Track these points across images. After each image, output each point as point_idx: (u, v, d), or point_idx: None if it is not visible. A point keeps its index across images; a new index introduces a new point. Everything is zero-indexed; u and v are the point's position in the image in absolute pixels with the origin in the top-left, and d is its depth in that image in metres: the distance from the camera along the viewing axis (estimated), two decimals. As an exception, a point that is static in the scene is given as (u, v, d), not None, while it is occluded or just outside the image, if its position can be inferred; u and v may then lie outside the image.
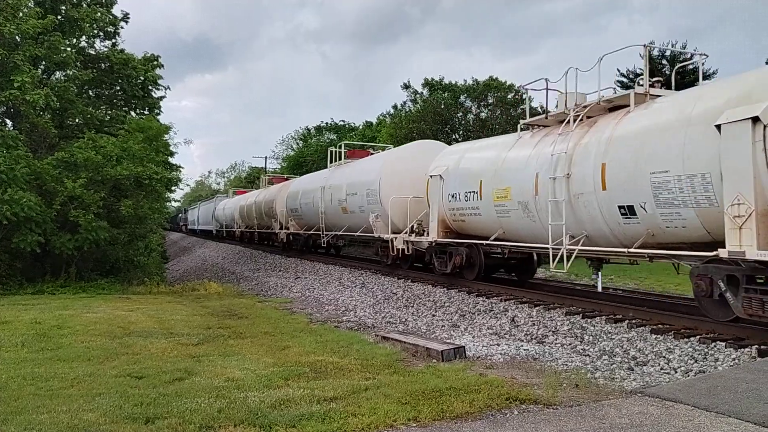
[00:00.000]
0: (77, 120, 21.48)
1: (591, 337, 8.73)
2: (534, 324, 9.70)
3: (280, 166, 66.35)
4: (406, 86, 38.18)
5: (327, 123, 57.60)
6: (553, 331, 9.18)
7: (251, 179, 75.36)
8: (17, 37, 17.34)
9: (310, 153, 52.51)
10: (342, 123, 55.78)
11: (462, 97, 37.85)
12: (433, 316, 11.77)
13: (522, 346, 8.48)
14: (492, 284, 13.51)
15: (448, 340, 9.12)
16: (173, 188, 21.71)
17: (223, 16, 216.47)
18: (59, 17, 20.90)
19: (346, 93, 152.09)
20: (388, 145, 27.67)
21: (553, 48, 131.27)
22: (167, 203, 25.26)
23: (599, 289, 15.34)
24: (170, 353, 8.35)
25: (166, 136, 22.10)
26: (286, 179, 35.35)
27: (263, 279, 22.19)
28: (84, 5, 22.06)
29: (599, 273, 15.95)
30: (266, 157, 62.45)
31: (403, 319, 11.79)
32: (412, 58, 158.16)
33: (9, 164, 15.50)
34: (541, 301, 11.06)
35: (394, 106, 41.60)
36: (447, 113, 36.22)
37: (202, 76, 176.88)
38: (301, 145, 62.77)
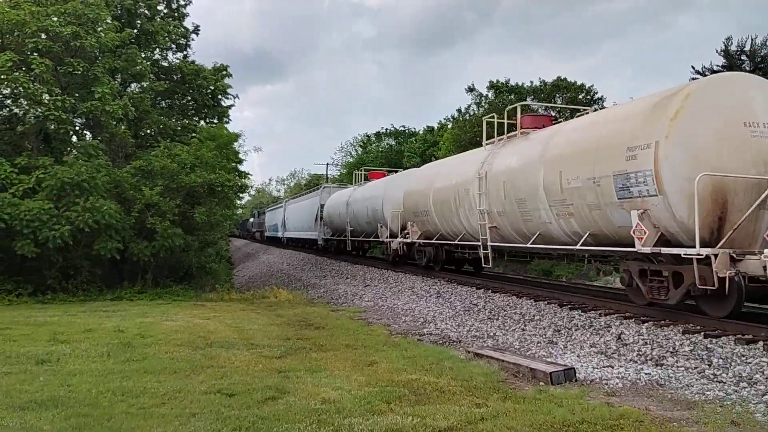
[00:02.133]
0: (151, 130, 21.89)
1: (721, 361, 7.80)
2: (646, 343, 8.87)
3: (339, 173, 66.67)
4: (471, 89, 37.45)
5: (387, 129, 57.39)
6: (671, 352, 8.34)
7: (310, 186, 76.17)
8: (97, 51, 17.69)
9: (371, 159, 52.39)
10: (402, 128, 55.45)
11: (529, 99, 36.86)
12: (523, 330, 11.06)
13: (641, 369, 7.70)
14: (588, 296, 12.73)
15: (551, 360, 8.44)
16: (242, 195, 21.74)
17: (282, 28, 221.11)
18: (135, 30, 21.40)
19: (400, 100, 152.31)
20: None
21: (614, 49, 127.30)
22: (238, 210, 25.38)
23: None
24: (255, 367, 8.03)
25: (235, 143, 22.26)
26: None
27: (331, 286, 21.92)
28: (158, 19, 22.48)
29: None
30: (327, 164, 62.44)
31: (491, 333, 11.14)
32: (468, 63, 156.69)
33: (91, 173, 15.77)
34: (648, 316, 10.18)
35: (459, 110, 40.91)
36: (514, 115, 35.32)
37: (263, 87, 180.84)
38: (360, 151, 62.87)
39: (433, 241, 18.62)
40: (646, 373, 7.50)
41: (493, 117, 15.67)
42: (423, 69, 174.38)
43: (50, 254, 15.90)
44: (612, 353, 8.92)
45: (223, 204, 18.98)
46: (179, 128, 22.94)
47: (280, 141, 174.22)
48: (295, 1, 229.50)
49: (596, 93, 34.78)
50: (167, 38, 22.95)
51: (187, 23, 25.13)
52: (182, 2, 24.07)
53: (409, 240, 20.08)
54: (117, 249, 16.18)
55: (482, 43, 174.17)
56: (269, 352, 9.20)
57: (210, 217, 17.81)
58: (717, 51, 30.01)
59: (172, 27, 22.18)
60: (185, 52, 25.53)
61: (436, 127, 47.38)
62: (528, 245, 13.17)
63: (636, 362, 8.29)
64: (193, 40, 25.62)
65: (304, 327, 12.10)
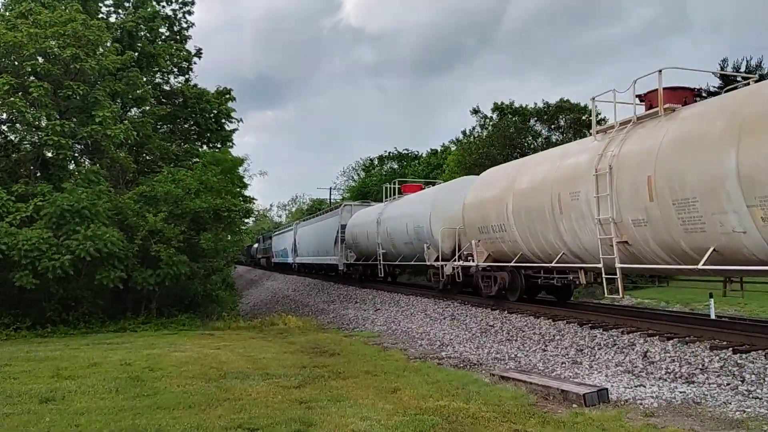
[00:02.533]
0: (152, 155, 21.56)
1: (753, 377, 7.42)
2: (673, 360, 8.41)
3: (342, 197, 66.37)
4: (476, 111, 37.30)
5: (390, 152, 57.24)
6: (700, 369, 7.89)
7: (312, 211, 75.77)
8: (97, 73, 17.41)
9: (374, 183, 52.13)
10: (405, 152, 55.30)
11: (532, 121, 36.72)
12: (544, 351, 10.58)
13: (675, 387, 7.24)
14: (608, 314, 12.27)
15: (579, 380, 7.96)
16: (246, 220, 21.32)
17: (282, 54, 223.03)
18: (136, 53, 21.18)
19: (401, 124, 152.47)
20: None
21: (610, 73, 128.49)
22: (244, 235, 24.97)
23: (712, 316, 13.85)
24: (274, 398, 7.54)
25: (240, 168, 21.94)
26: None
27: (341, 311, 21.39)
28: (159, 41, 22.30)
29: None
30: (330, 189, 62.15)
31: (512, 355, 10.65)
32: (468, 86, 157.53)
33: (91, 200, 15.35)
34: (672, 333, 9.72)
35: (463, 132, 40.74)
36: (517, 137, 35.10)
37: (263, 113, 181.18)
38: (363, 175, 62.66)
39: (510, 264, 14.52)
40: (680, 392, 7.08)
41: (613, 92, 11.50)
42: (423, 93, 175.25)
43: (50, 285, 15.34)
44: (639, 372, 8.48)
45: (230, 229, 18.52)
46: (181, 153, 22.64)
47: (280, 166, 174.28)
48: (295, 28, 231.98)
49: (600, 113, 34.48)
50: (169, 61, 22.76)
51: (189, 46, 25.06)
52: (185, 25, 23.91)
53: (473, 263, 16.07)
54: (120, 278, 15.68)
55: (481, 67, 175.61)
56: (286, 381, 8.72)
57: (217, 243, 17.34)
58: (713, 73, 30.23)
59: (174, 50, 21.96)
60: (187, 76, 25.38)
61: (439, 150, 47.19)
62: (698, 266, 8.87)
63: (666, 380, 7.86)
64: (195, 63, 25.47)
65: (319, 354, 11.61)
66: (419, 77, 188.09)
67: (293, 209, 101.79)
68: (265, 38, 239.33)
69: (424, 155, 52.68)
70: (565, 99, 35.99)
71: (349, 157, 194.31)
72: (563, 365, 9.32)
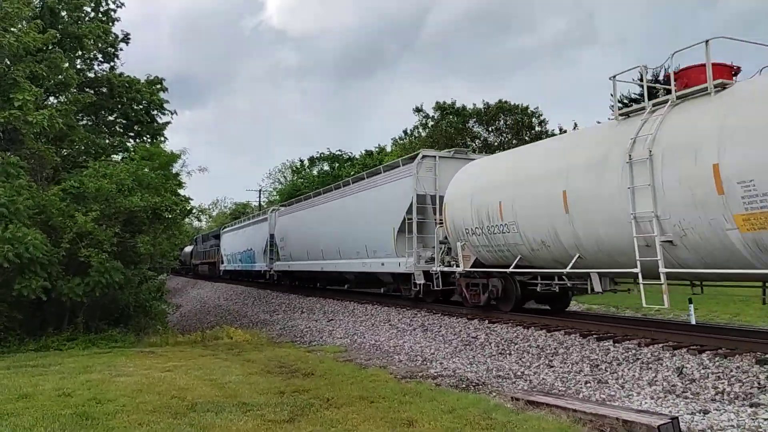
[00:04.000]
0: (77, 147, 19.15)
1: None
2: (718, 377, 7.59)
3: (268, 200, 64.16)
4: (418, 110, 36.56)
5: (322, 153, 55.62)
6: (758, 387, 7.08)
7: (236, 215, 72.62)
8: (15, 51, 15.06)
9: (306, 186, 50.40)
10: (339, 153, 53.87)
11: (471, 122, 36.44)
12: (551, 367, 9.60)
13: (756, 413, 6.35)
14: (602, 324, 11.50)
15: (639, 408, 6.95)
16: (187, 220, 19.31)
17: (203, 53, 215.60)
18: (58, 34, 18.74)
19: (324, 128, 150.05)
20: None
21: (525, 81, 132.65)
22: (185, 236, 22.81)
23: (693, 322, 13.41)
24: (270, 439, 6.09)
25: (176, 164, 19.86)
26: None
27: (288, 322, 19.79)
28: (86, 20, 19.92)
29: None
30: (260, 190, 59.79)
31: (516, 372, 9.60)
32: (390, 91, 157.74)
33: (10, 196, 13.10)
34: (698, 345, 8.97)
35: (405, 131, 39.90)
36: (457, 137, 34.68)
37: (182, 113, 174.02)
38: (293, 177, 60.65)
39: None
40: (764, 419, 6.17)
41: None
42: (346, 97, 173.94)
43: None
44: (682, 392, 7.59)
45: (169, 232, 16.53)
46: (109, 147, 20.32)
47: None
48: (216, 26, 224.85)
49: (541, 114, 34.64)
50: (95, 44, 20.39)
51: (117, 30, 22.67)
52: (112, 5, 21.55)
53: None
54: (43, 288, 13.49)
55: (403, 72, 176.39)
56: (272, 414, 7.24)
57: (156, 246, 15.35)
58: (633, 80, 30.95)
59: (101, 31, 19.64)
60: (113, 63, 23.02)
61: (374, 151, 46.13)
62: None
63: (725, 402, 6.97)
64: (121, 50, 23.16)
65: (290, 375, 10.11)
66: (342, 81, 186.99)
67: (214, 213, 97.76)
68: (184, 36, 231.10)
69: (357, 157, 51.46)
70: (504, 100, 35.96)
71: (270, 159, 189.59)
72: (587, 385, 8.33)
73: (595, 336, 10.29)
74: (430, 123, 35.81)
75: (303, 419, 7.06)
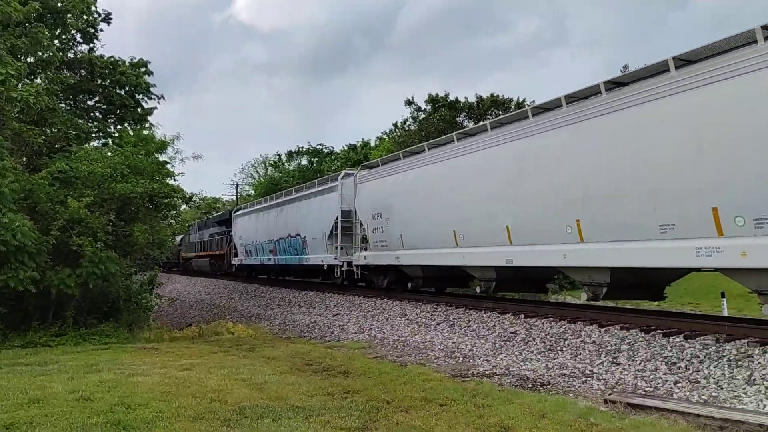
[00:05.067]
0: (57, 131, 17.63)
1: None
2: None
3: (241, 195, 62.43)
4: (410, 102, 35.61)
5: (302, 147, 54.24)
6: None
7: (206, 211, 70.57)
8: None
9: (285, 180, 49.00)
10: (320, 147, 52.54)
11: (462, 116, 35.73)
12: (617, 364, 8.73)
13: None
14: (649, 317, 10.76)
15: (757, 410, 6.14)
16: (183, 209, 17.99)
17: (169, 46, 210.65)
18: (39, 6, 17.18)
19: (293, 124, 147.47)
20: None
21: (500, 80, 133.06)
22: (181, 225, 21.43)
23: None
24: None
25: (166, 151, 18.49)
26: None
27: (288, 317, 18.63)
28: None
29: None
30: (237, 184, 57.99)
31: (582, 370, 8.71)
32: (360, 89, 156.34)
33: (-6, 178, 11.70)
34: (760, 338, 8.25)
35: (395, 124, 38.98)
36: (449, 131, 33.95)
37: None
38: (269, 171, 59.11)
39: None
40: None
41: None
42: (316, 94, 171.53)
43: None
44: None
45: (167, 220, 15.23)
46: (94, 131, 18.85)
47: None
48: (182, 19, 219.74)
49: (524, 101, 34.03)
50: (76, 21, 18.86)
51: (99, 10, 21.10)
52: (94, -21, 19.98)
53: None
54: (31, 279, 12.11)
55: (374, 71, 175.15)
56: (340, 420, 6.21)
57: (154, 235, 14.05)
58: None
59: (85, 6, 18.14)
60: (92, 44, 21.45)
61: (358, 145, 45.03)
62: None
63: None
64: (102, 30, 21.60)
65: (326, 374, 9.05)
66: (312, 78, 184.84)
67: (182, 208, 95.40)
68: (149, 28, 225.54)
69: (339, 151, 50.29)
70: (495, 94, 35.37)
71: (239, 155, 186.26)
72: (678, 385, 7.45)
73: (660, 332, 9.44)
74: (421, 116, 34.87)
75: (378, 426, 6.06)
